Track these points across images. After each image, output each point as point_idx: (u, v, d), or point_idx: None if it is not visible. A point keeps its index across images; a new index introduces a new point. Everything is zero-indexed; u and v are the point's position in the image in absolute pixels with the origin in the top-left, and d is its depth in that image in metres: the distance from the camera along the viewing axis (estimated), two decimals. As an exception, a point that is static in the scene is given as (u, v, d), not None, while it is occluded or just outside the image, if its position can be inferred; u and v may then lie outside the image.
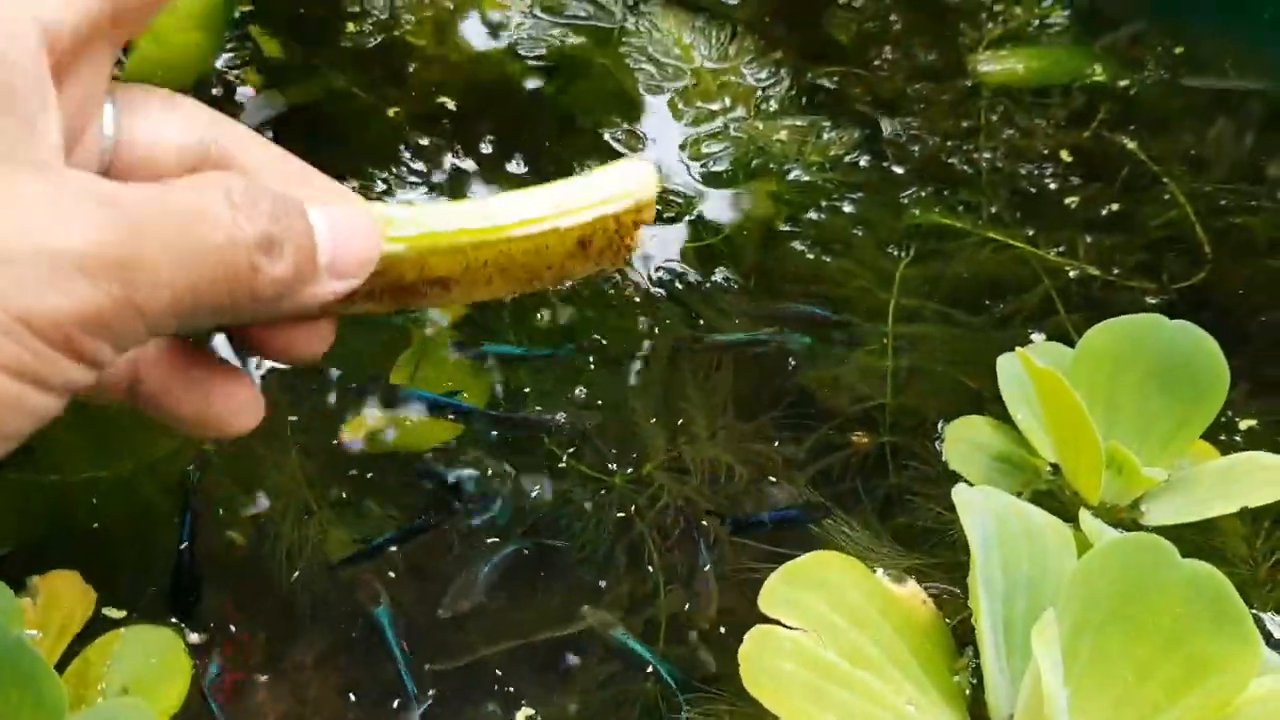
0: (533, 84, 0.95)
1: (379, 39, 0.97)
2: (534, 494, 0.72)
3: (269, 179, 0.33)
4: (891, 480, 0.73)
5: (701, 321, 0.81)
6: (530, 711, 0.63)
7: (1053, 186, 0.90)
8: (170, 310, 0.29)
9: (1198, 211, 0.87)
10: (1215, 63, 0.97)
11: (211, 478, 0.71)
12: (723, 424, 0.76)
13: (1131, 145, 0.92)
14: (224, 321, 0.31)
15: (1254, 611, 0.60)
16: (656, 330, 0.80)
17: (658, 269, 0.84)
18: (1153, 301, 0.82)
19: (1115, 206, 0.89)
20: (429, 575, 0.69)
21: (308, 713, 0.63)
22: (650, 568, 0.69)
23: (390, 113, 0.92)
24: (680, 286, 0.83)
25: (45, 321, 0.27)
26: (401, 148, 0.89)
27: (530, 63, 0.96)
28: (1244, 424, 0.75)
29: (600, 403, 0.76)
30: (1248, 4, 0.96)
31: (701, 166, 0.90)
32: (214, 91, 0.90)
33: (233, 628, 0.66)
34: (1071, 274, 0.84)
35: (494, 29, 0.98)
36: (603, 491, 0.72)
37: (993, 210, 0.88)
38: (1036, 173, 0.91)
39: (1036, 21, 1.01)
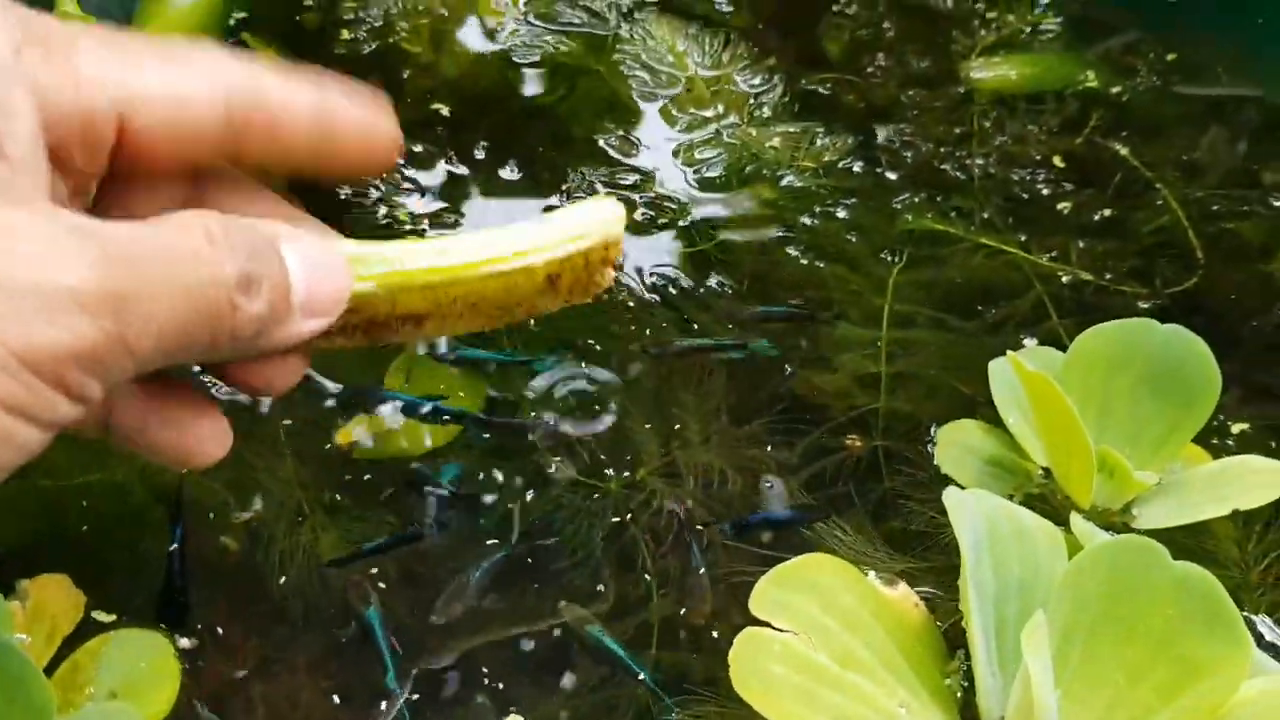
0: (527, 91, 0.96)
1: (374, 46, 0.97)
2: (528, 499, 0.72)
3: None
4: (884, 484, 0.73)
5: (695, 326, 0.81)
6: (519, 718, 0.63)
7: (1045, 192, 0.90)
8: (157, 346, 0.29)
9: (1190, 217, 0.87)
10: (1208, 69, 0.98)
11: (204, 483, 0.71)
12: (716, 429, 0.76)
13: (1124, 151, 0.92)
14: (203, 359, 0.32)
15: (1245, 614, 0.60)
16: (649, 334, 0.80)
17: (652, 274, 0.84)
18: (1145, 306, 0.82)
19: (1108, 212, 0.89)
20: (421, 581, 0.69)
21: (298, 716, 0.63)
22: (646, 575, 0.69)
23: (385, 119, 0.92)
24: (674, 291, 0.83)
25: (42, 355, 0.27)
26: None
27: (525, 70, 0.97)
28: (1236, 428, 0.75)
29: (596, 408, 0.76)
30: (1242, 10, 0.96)
31: (695, 173, 0.90)
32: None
33: (221, 630, 0.66)
34: (1064, 279, 0.84)
35: (488, 36, 0.99)
36: (595, 496, 0.72)
37: (985, 216, 0.88)
38: (1029, 179, 0.91)
39: (1029, 28, 1.01)
